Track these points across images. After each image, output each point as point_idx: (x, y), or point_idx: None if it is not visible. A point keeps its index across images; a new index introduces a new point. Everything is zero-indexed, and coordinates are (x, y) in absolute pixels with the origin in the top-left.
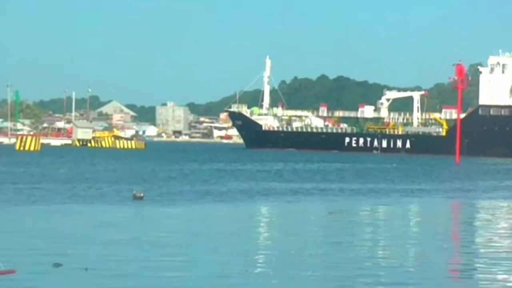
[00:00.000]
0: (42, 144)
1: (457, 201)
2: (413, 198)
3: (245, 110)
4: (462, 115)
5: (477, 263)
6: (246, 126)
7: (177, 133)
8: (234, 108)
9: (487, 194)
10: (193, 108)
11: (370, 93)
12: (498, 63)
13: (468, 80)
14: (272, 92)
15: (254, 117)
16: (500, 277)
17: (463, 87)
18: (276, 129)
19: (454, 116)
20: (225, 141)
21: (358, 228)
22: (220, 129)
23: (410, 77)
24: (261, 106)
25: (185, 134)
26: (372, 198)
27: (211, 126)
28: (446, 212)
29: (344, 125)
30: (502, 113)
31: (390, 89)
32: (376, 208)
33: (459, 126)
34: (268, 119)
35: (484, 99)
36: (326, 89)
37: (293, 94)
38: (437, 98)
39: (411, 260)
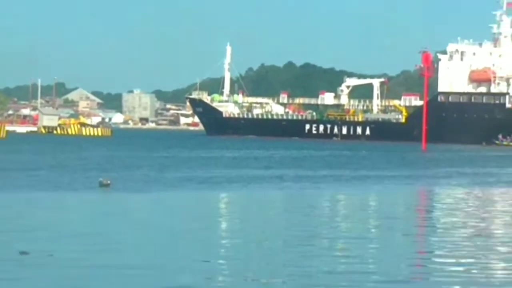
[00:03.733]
0: (7, 131)
1: (426, 187)
2: (385, 185)
3: (205, 97)
4: (421, 102)
5: (439, 249)
6: (206, 113)
7: (144, 120)
8: (195, 95)
9: (457, 180)
10: (159, 95)
11: (337, 80)
12: (457, 50)
13: (434, 68)
14: (238, 79)
15: (214, 104)
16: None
17: (429, 74)
18: (236, 116)
19: (414, 103)
20: (191, 128)
21: (322, 217)
22: (187, 116)
23: (377, 64)
24: (221, 93)
25: (152, 121)
26: (339, 184)
27: (177, 113)
28: (415, 198)
29: (310, 112)
30: (461, 100)
31: (356, 76)
32: (340, 196)
33: (425, 113)
34: (228, 106)
35: (443, 86)
36: (293, 76)
37: (260, 81)
38: (403, 85)
39: (372, 249)
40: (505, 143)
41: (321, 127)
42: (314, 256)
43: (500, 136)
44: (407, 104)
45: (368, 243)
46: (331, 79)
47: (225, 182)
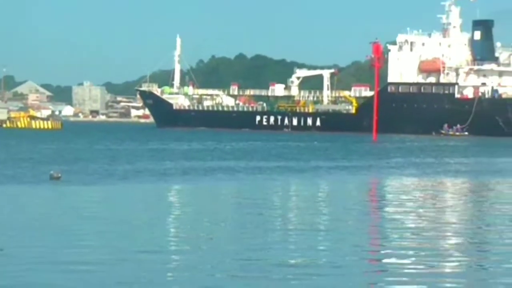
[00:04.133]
0: None
1: (377, 178)
2: (337, 175)
3: (155, 89)
4: (371, 93)
5: (391, 239)
6: (157, 105)
7: (94, 112)
8: (145, 87)
9: (407, 170)
10: (110, 87)
11: (289, 71)
12: (407, 41)
13: (385, 58)
14: (189, 71)
15: (164, 96)
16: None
17: (380, 65)
18: (187, 108)
19: (364, 94)
20: (142, 120)
21: (275, 208)
22: (137, 108)
23: (328, 56)
24: (172, 86)
25: (102, 114)
26: (292, 175)
27: (128, 106)
28: (367, 188)
29: (261, 103)
30: (411, 90)
31: (307, 67)
32: (293, 187)
33: (376, 104)
34: (179, 98)
35: (393, 76)
36: (244, 68)
37: (211, 73)
38: (354, 76)
39: (324, 240)
40: (451, 132)
41: (272, 119)
42: (265, 248)
43: (445, 126)
44: (357, 95)
45: (319, 234)
46: (282, 70)
47: (178, 174)
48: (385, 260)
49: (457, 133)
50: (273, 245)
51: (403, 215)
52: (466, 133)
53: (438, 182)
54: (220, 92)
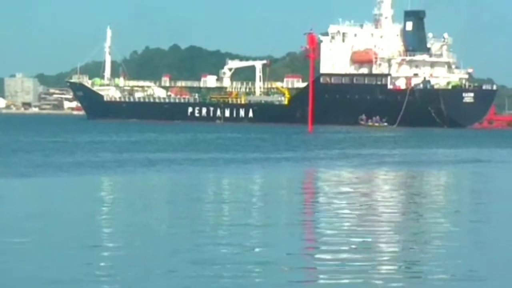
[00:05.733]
0: None
1: (313, 170)
2: (274, 167)
3: (86, 81)
4: (303, 84)
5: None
6: (87, 97)
7: (27, 105)
8: (75, 79)
9: (342, 162)
10: (43, 79)
11: (223, 63)
12: (339, 32)
13: (320, 49)
14: (121, 62)
15: (95, 88)
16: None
17: (314, 56)
18: (118, 99)
19: (296, 85)
20: (75, 112)
21: (209, 202)
22: (70, 100)
23: (263, 46)
24: (103, 77)
25: (35, 106)
26: (229, 168)
27: (61, 98)
28: (302, 181)
29: (193, 95)
30: (343, 81)
31: (239, 58)
32: (228, 180)
33: (311, 95)
34: (110, 89)
35: (326, 67)
36: (178, 59)
37: (145, 64)
38: (289, 67)
39: (257, 236)
40: (370, 123)
41: (204, 110)
42: (198, 244)
43: (363, 117)
44: (290, 86)
45: (253, 229)
46: (217, 61)
47: (115, 166)
48: (318, 256)
49: (376, 124)
50: (206, 241)
51: (338, 207)
52: (386, 123)
53: (373, 174)
54: (151, 84)
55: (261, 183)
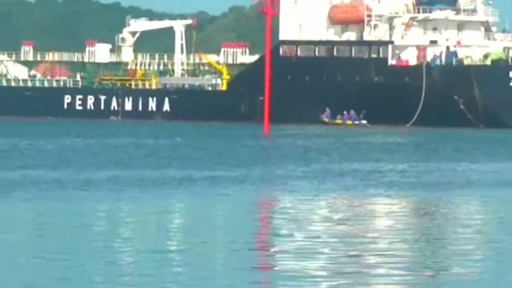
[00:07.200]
0: None
1: (270, 196)
2: (216, 191)
3: None
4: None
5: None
6: None
7: None
8: None
9: (325, 186)
10: None
11: (122, 23)
12: None
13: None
14: None
15: None
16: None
17: (274, 12)
18: None
19: (241, 59)
20: None
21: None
22: None
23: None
24: None
25: None
26: (145, 192)
27: None
28: (254, 211)
29: (73, 75)
30: (316, 53)
31: (151, 16)
32: (122, 213)
33: (268, 75)
34: None
35: (287, 31)
36: (53, 17)
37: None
38: (232, 30)
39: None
40: (339, 121)
41: (91, 100)
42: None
43: (327, 111)
44: (231, 61)
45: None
46: (113, 21)
47: None
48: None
49: (348, 122)
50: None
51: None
52: (364, 121)
53: (360, 201)
54: (5, 57)
55: (199, 213)
